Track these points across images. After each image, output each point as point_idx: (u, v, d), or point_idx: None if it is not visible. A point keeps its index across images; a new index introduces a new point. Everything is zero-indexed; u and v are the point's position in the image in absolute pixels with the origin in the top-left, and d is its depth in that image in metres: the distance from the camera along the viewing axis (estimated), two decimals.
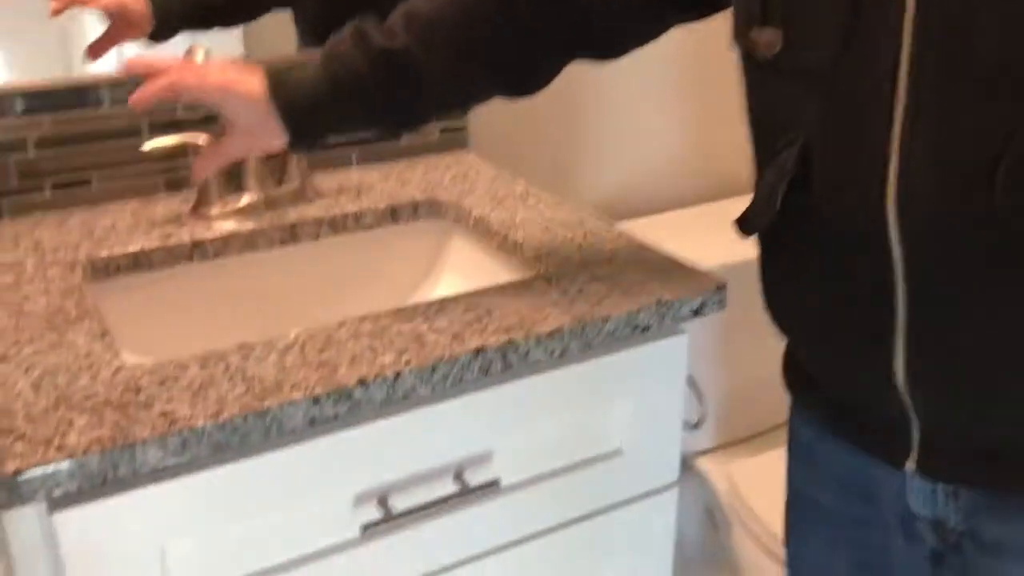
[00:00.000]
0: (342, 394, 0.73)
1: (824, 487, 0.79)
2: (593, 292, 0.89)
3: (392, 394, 0.75)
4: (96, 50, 1.02)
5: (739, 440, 1.50)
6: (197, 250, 1.02)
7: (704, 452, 1.45)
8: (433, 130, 1.28)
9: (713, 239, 1.41)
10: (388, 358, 0.77)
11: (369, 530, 0.78)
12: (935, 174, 0.59)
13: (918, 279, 0.62)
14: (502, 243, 1.04)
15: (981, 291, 0.61)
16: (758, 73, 0.68)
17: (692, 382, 1.04)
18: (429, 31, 0.78)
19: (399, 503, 0.81)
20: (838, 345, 0.70)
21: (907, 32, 0.57)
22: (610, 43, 0.82)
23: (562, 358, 0.86)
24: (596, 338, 0.84)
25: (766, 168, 0.69)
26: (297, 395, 0.72)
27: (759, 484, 1.33)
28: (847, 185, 0.63)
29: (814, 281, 0.69)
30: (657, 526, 0.99)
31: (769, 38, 0.65)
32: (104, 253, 0.97)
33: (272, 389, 0.72)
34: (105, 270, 0.97)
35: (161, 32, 1.00)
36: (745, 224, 0.73)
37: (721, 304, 0.91)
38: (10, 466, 0.63)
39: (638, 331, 0.87)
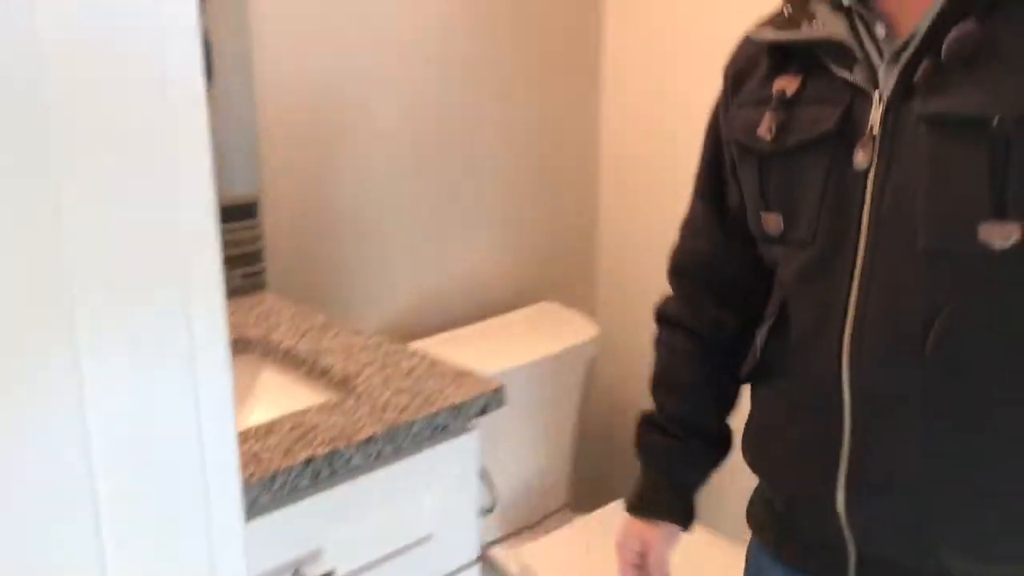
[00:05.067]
0: None
1: None
2: (397, 403, 1.07)
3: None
4: None
5: (524, 527, 1.70)
6: None
7: (495, 542, 1.64)
8: (234, 275, 1.43)
9: (490, 349, 1.64)
10: None
11: None
12: (880, 333, 0.76)
13: (861, 424, 0.78)
14: (311, 370, 1.20)
15: (911, 441, 0.76)
16: (766, 244, 0.88)
17: (484, 473, 1.23)
18: (678, 391, 1.02)
19: None
20: (796, 481, 0.86)
21: (865, 221, 0.76)
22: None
23: (378, 460, 1.02)
24: (405, 440, 1.02)
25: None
26: None
27: (550, 563, 1.52)
28: (812, 337, 0.81)
29: (781, 422, 0.87)
30: None
31: (774, 222, 0.84)
32: None
33: None
34: None
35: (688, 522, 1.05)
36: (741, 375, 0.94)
37: (500, 403, 1.12)
38: None
39: (438, 431, 1.05)
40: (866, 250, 0.76)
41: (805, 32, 0.81)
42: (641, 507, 1.03)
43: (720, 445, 1.02)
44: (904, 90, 0.75)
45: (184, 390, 0.51)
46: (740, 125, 0.88)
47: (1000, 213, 0.69)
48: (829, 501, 0.81)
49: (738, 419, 0.99)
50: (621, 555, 1.04)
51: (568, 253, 1.95)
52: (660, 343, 1.04)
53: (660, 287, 1.87)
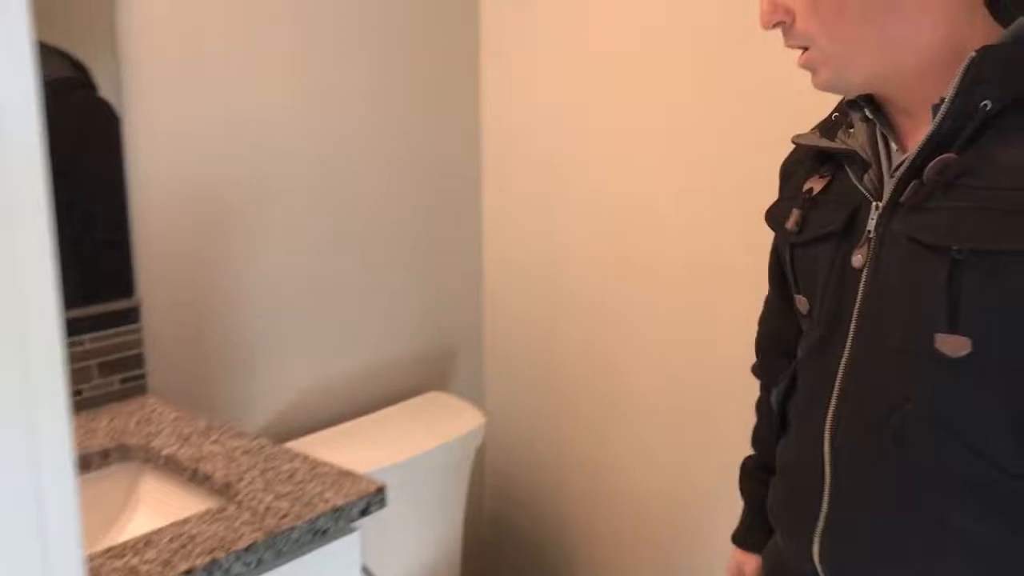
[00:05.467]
0: None
1: None
2: (278, 508, 1.08)
3: None
4: None
5: None
6: None
7: None
8: (114, 381, 1.42)
9: (376, 443, 1.66)
10: None
11: None
12: (853, 414, 0.87)
13: (836, 489, 0.89)
14: (192, 476, 1.20)
15: (874, 513, 0.86)
16: (801, 320, 1.00)
17: (367, 571, 1.25)
18: (769, 442, 1.11)
19: None
20: (788, 526, 0.98)
21: (855, 313, 0.87)
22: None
23: (258, 568, 1.04)
24: (285, 546, 1.04)
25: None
26: None
27: None
28: (807, 407, 0.94)
29: (784, 474, 1.01)
30: None
31: (803, 303, 0.96)
32: None
33: None
34: None
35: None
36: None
37: (382, 504, 1.15)
38: None
39: (319, 535, 1.07)
40: (852, 339, 0.87)
41: (836, 140, 0.92)
42: (739, 538, 1.18)
43: None
44: (894, 204, 0.84)
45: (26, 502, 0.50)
46: (779, 217, 1.00)
47: (953, 327, 0.78)
48: (808, 549, 0.93)
49: None
50: (727, 572, 1.20)
51: (455, 342, 2.00)
52: (758, 400, 1.17)
53: (547, 373, 1.94)
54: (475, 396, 2.04)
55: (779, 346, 1.11)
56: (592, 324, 1.85)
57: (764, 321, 1.16)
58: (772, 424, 1.11)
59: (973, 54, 0.78)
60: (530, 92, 1.86)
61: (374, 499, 1.14)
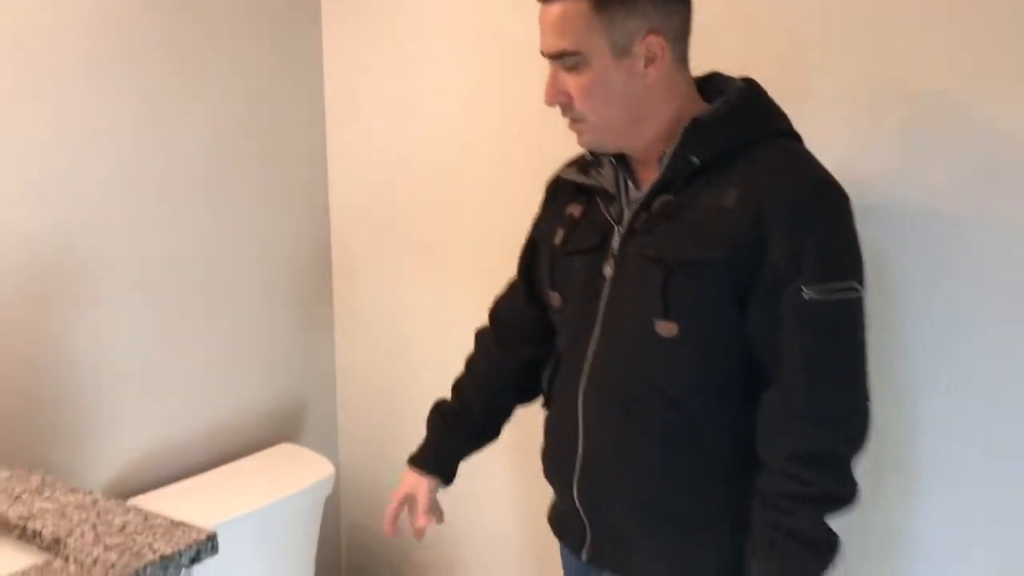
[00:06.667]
0: None
1: None
2: (106, 559, 1.11)
3: None
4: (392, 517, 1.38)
5: None
6: None
7: None
8: None
9: (222, 496, 1.69)
10: None
11: None
12: (596, 387, 1.14)
13: (586, 439, 1.15)
14: (22, 534, 1.21)
15: (609, 452, 1.13)
16: (552, 313, 1.25)
17: None
18: (469, 393, 1.37)
19: None
20: (556, 475, 1.22)
21: (601, 311, 1.13)
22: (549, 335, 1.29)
23: None
24: None
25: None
26: None
27: None
28: (567, 382, 1.18)
29: (552, 435, 1.24)
30: None
31: (556, 299, 1.21)
32: None
33: None
34: None
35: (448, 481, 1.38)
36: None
37: (214, 550, 1.18)
38: None
39: None
40: (599, 330, 1.14)
41: (591, 178, 1.18)
42: (417, 460, 1.37)
43: (482, 436, 1.39)
44: (631, 230, 1.12)
45: None
46: (545, 229, 1.25)
47: (666, 315, 1.07)
48: (570, 491, 1.19)
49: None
50: (394, 496, 1.37)
51: (306, 394, 2.04)
52: (470, 358, 1.40)
53: (399, 421, 2.00)
54: (328, 447, 2.07)
55: (523, 333, 1.34)
56: (437, 377, 1.91)
57: (510, 305, 1.37)
58: (479, 384, 1.36)
59: (686, 124, 1.08)
60: (376, 166, 1.94)
61: (204, 547, 1.17)
